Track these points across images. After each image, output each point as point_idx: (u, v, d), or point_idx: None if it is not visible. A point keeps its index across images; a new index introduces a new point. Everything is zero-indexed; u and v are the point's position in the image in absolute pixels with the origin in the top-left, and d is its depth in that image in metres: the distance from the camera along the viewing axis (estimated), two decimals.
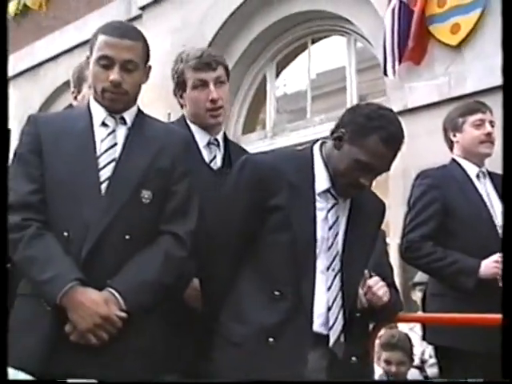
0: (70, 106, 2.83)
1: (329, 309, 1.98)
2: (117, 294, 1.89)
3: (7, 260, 1.51)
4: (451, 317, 2.66)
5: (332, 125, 2.10)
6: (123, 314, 1.88)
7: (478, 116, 3.03)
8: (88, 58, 2.09)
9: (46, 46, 8.99)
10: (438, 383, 2.53)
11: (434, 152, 4.28)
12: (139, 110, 2.12)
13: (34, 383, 1.86)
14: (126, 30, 2.05)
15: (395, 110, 5.25)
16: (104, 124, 2.04)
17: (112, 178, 1.96)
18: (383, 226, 3.34)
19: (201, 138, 2.37)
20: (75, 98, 2.61)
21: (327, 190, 2.03)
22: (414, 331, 4.72)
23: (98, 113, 2.05)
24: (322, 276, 1.98)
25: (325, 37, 6.66)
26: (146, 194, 1.97)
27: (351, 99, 6.24)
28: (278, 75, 7.02)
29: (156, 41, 7.39)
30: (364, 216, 2.09)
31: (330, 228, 2.01)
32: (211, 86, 2.33)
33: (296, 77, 6.97)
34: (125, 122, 2.06)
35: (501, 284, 2.20)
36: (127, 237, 1.94)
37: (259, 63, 6.96)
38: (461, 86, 4.82)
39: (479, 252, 2.78)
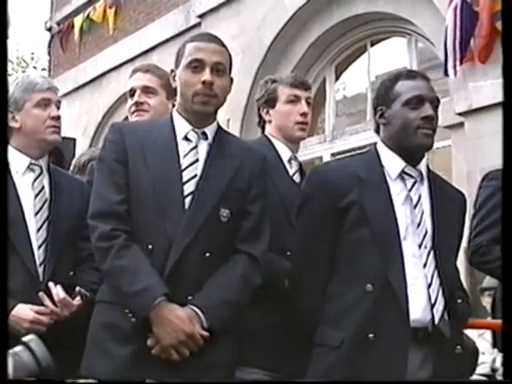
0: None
1: (429, 285, 1.95)
2: (200, 313, 1.92)
3: (7, 257, 1.53)
4: None
5: None
6: (206, 333, 1.91)
7: None
8: (173, 71, 2.12)
9: (108, 57, 9.21)
10: (437, 383, 2.43)
11: (500, 154, 4.15)
12: (219, 126, 2.14)
13: (34, 383, 1.87)
14: (213, 37, 2.14)
15: (459, 110, 5.18)
16: (187, 138, 2.06)
17: (195, 194, 1.98)
18: None
19: (284, 154, 2.47)
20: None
21: (402, 172, 2.04)
22: (483, 338, 4.57)
23: (181, 126, 2.07)
24: (414, 258, 1.96)
25: (384, 38, 6.58)
26: (224, 213, 2.00)
27: None
28: (337, 78, 6.97)
29: None
30: (445, 198, 2.09)
31: (415, 206, 2.01)
32: (303, 102, 2.51)
33: (355, 79, 6.90)
34: (206, 138, 2.08)
35: None
36: (207, 254, 1.97)
37: (318, 67, 6.93)
38: None
39: None
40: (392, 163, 2.05)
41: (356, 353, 1.87)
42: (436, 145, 7.15)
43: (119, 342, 1.93)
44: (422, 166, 2.08)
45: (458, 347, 1.98)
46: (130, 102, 2.67)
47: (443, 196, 2.09)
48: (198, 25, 7.55)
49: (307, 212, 2.06)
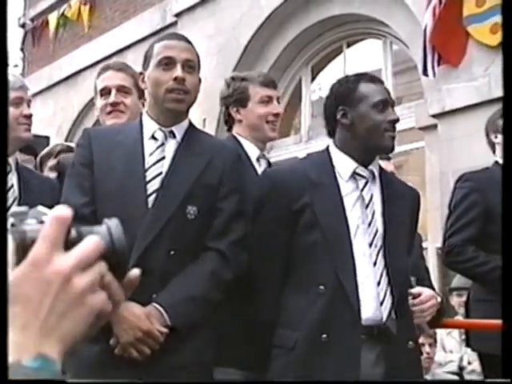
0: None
1: (378, 284, 1.97)
2: (161, 309, 1.91)
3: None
4: (496, 323, 2.58)
5: None
6: (165, 330, 1.89)
7: None
8: (141, 73, 2.10)
9: (83, 55, 9.13)
10: (435, 382, 2.47)
11: (473, 155, 4.20)
12: (191, 125, 2.13)
13: (34, 383, 1.87)
14: (181, 35, 2.16)
15: (433, 112, 5.25)
16: (153, 137, 2.05)
17: (159, 192, 1.97)
18: (419, 230, 3.28)
19: (252, 153, 2.45)
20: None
21: (354, 172, 2.06)
22: (451, 336, 4.63)
23: (149, 126, 2.06)
24: (365, 257, 1.98)
25: (360, 40, 6.62)
26: (191, 210, 1.97)
27: None
28: (313, 79, 7.00)
29: None
30: (396, 194, 2.11)
31: (366, 206, 2.03)
32: (275, 102, 2.52)
33: (331, 80, 6.90)
34: (174, 136, 2.06)
35: None
36: (172, 252, 1.95)
37: (294, 67, 6.95)
38: (501, 87, 4.72)
39: None
40: (343, 164, 2.06)
41: (309, 353, 1.90)
42: (410, 146, 7.23)
43: (88, 342, 1.92)
44: (374, 166, 2.10)
45: (410, 342, 1.99)
46: (100, 101, 2.54)
47: (394, 193, 2.10)
48: (174, 24, 7.52)
49: (262, 217, 2.06)
